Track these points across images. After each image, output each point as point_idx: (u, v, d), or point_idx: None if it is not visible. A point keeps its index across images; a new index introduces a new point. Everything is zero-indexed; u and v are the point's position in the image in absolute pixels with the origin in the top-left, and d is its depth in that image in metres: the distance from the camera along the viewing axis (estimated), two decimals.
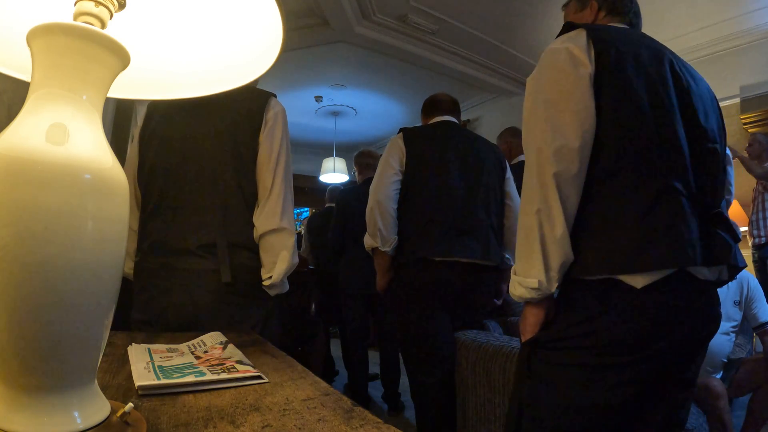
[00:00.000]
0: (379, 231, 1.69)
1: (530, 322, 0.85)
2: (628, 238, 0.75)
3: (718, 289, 2.13)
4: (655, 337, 0.76)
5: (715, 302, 0.85)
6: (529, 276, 0.81)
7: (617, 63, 0.81)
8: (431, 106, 1.93)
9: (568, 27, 0.89)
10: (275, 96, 1.20)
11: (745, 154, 3.07)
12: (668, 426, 0.84)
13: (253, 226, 1.11)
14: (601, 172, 0.80)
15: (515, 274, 0.85)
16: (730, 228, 0.82)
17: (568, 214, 0.79)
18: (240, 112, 1.13)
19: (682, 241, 0.75)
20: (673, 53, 0.91)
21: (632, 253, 0.75)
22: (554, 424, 0.79)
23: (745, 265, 0.85)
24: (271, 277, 1.10)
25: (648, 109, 0.80)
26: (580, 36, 0.84)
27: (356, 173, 3.01)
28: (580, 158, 0.79)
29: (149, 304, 1.07)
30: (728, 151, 1.01)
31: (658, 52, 0.88)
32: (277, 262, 1.09)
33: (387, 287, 1.84)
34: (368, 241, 1.76)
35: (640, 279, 0.75)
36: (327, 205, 3.47)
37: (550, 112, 0.82)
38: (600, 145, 0.80)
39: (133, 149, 1.19)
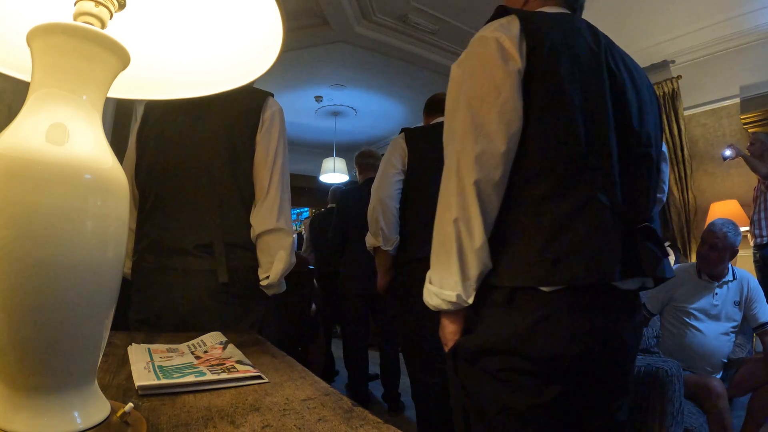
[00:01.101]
0: (381, 230, 1.69)
1: (449, 331, 0.81)
2: (543, 250, 0.71)
3: (719, 290, 2.12)
4: (570, 341, 0.71)
5: (637, 308, 0.82)
6: (445, 288, 0.76)
7: (550, 60, 0.74)
8: (433, 106, 1.92)
9: (500, 11, 0.81)
10: (273, 95, 1.19)
11: (747, 153, 3.06)
12: (606, 430, 0.80)
13: (250, 226, 1.11)
14: (522, 178, 0.74)
15: (430, 283, 0.79)
16: (659, 241, 0.77)
17: (488, 223, 0.74)
18: (237, 112, 1.13)
19: (600, 258, 0.70)
20: (610, 43, 0.83)
21: (546, 267, 0.70)
22: (500, 427, 0.76)
23: (673, 276, 0.81)
24: (268, 277, 1.10)
25: (579, 115, 0.73)
26: (512, 25, 0.76)
27: (357, 173, 3.01)
28: (504, 164, 0.73)
29: (147, 304, 1.06)
30: (664, 147, 0.93)
31: (596, 44, 0.79)
32: (274, 262, 1.09)
33: (388, 287, 1.84)
34: (370, 240, 1.76)
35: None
36: (329, 205, 3.47)
37: (474, 111, 0.74)
38: (523, 150, 0.74)
39: (130, 149, 1.18)
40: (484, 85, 0.75)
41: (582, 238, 0.71)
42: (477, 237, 0.73)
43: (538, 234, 0.72)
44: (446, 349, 0.84)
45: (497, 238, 0.76)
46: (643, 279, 0.78)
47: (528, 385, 0.73)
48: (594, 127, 0.74)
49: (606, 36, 0.84)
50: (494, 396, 0.75)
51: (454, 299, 0.75)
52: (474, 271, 0.74)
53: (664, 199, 1.02)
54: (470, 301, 0.76)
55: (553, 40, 0.75)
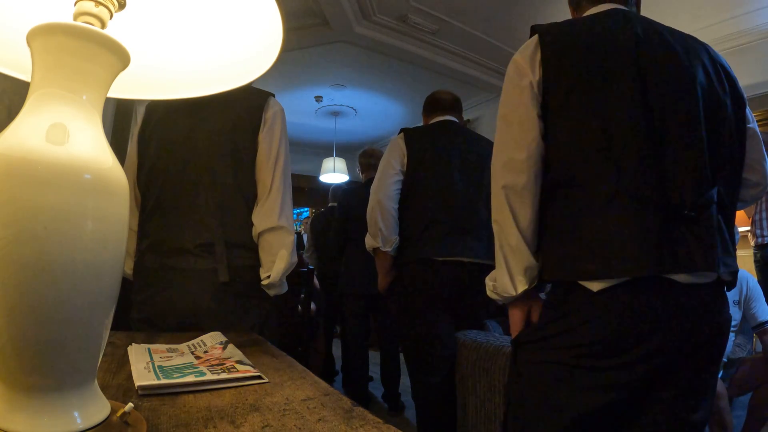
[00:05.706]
0: (380, 231, 1.69)
1: (513, 321, 0.88)
2: (576, 246, 0.76)
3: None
4: (625, 339, 0.71)
5: (712, 305, 0.75)
6: (493, 280, 0.87)
7: (562, 63, 0.79)
8: (432, 105, 1.92)
9: (531, 32, 0.87)
10: (274, 95, 1.20)
11: None
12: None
13: (251, 225, 1.11)
14: (553, 180, 0.81)
15: (490, 278, 0.89)
16: (704, 232, 0.72)
17: (521, 224, 0.81)
18: (239, 112, 1.13)
19: (620, 251, 0.71)
20: (653, 30, 0.82)
21: (579, 263, 0.74)
22: (535, 424, 0.77)
23: (733, 270, 0.77)
24: (269, 277, 1.10)
25: (601, 109, 0.76)
26: (531, 42, 0.85)
27: (360, 172, 3.00)
28: (527, 170, 0.80)
29: (148, 303, 1.07)
30: (750, 118, 0.89)
31: (628, 37, 0.79)
32: (276, 261, 1.09)
33: (388, 287, 1.84)
34: (369, 241, 1.76)
35: (596, 284, 0.72)
36: (330, 204, 3.47)
37: (501, 127, 0.85)
38: (553, 153, 0.81)
39: (132, 149, 1.19)
40: (505, 104, 0.86)
41: (607, 234, 0.73)
42: (511, 236, 0.81)
43: (565, 230, 0.78)
44: (512, 338, 0.89)
45: (542, 237, 0.83)
46: (708, 272, 0.73)
47: (577, 380, 0.75)
48: (615, 116, 0.76)
49: (649, 22, 0.84)
50: (542, 388, 0.78)
51: (498, 290, 0.85)
52: (516, 267, 0.82)
53: (764, 182, 0.89)
54: (517, 293, 0.83)
55: (566, 42, 0.81)
